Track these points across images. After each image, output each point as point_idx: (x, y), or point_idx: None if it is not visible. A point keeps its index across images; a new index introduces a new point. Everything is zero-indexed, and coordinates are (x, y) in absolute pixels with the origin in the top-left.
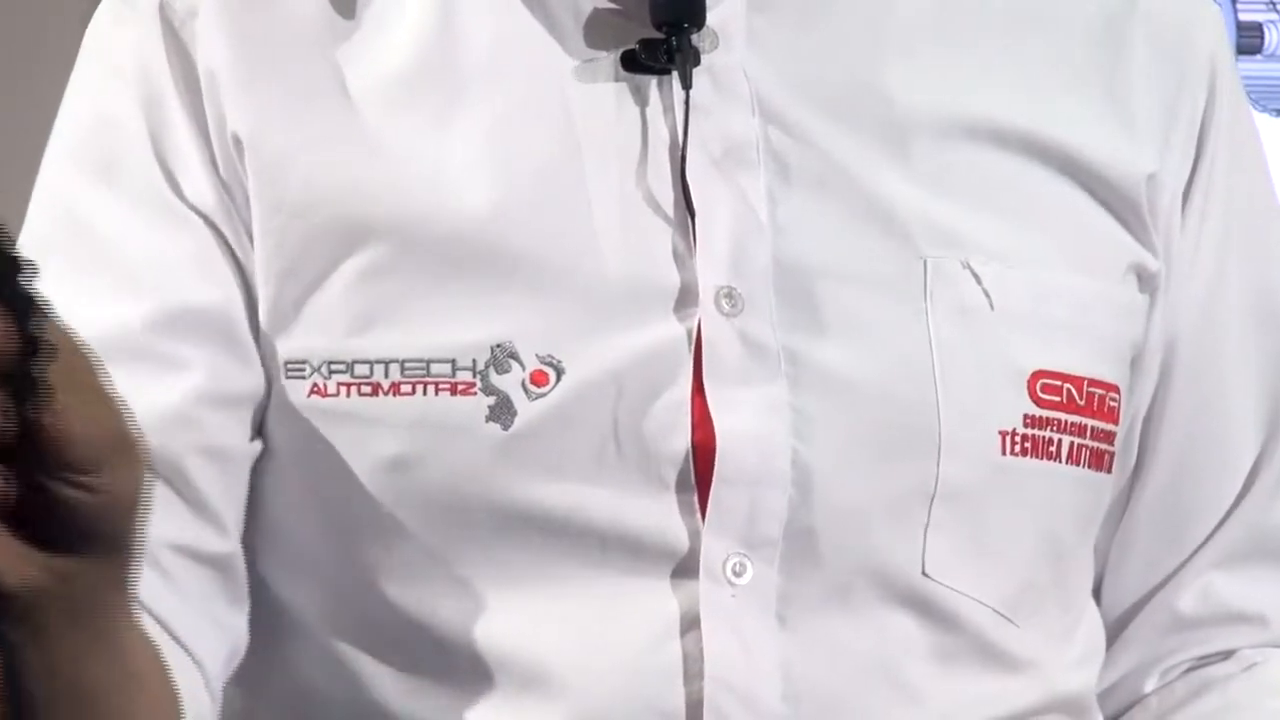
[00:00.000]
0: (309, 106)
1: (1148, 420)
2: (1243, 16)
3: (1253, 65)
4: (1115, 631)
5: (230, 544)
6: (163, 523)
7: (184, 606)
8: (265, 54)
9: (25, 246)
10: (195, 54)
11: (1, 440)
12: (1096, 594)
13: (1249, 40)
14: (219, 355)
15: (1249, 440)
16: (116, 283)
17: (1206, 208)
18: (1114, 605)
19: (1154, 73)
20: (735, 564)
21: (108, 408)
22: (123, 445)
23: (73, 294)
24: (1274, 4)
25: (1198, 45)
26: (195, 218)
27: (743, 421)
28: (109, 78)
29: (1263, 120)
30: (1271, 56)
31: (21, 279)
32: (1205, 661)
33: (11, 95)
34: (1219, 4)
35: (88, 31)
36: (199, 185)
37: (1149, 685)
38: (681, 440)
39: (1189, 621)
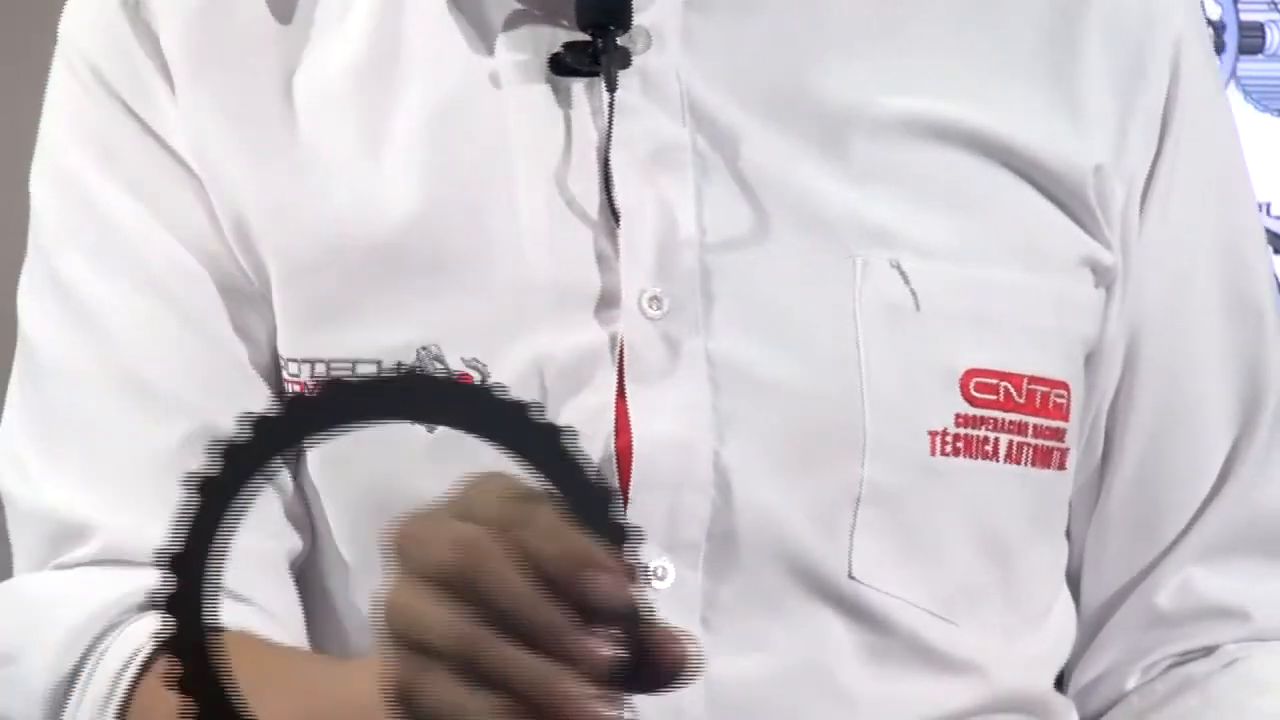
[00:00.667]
0: (246, 115)
1: (1114, 414)
2: (1244, 16)
3: (1255, 65)
4: (1095, 627)
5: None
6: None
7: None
8: (210, 60)
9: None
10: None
11: (615, 670)
12: (1075, 588)
13: (1251, 40)
14: None
15: (1221, 432)
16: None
17: (1172, 194)
18: (1092, 600)
19: (1109, 61)
20: (657, 568)
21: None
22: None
23: None
24: (1276, 4)
25: (1159, 29)
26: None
27: (662, 425)
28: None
29: (1264, 120)
30: (1273, 56)
31: (614, 508)
32: (1187, 658)
33: (12, 95)
34: (1220, 4)
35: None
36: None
37: (1130, 682)
38: (603, 445)
39: (1168, 618)
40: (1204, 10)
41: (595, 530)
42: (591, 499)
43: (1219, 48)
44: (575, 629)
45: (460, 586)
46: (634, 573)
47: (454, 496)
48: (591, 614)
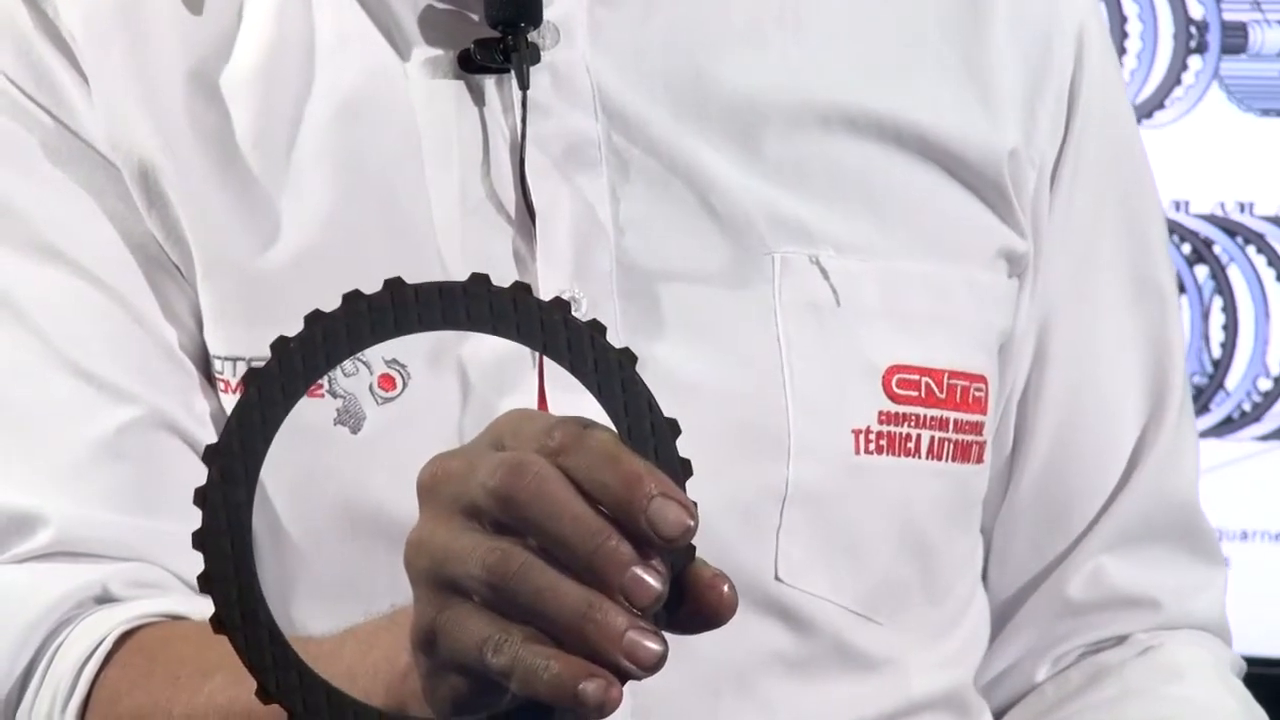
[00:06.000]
0: (159, 107)
1: (1024, 403)
2: (1227, 16)
3: (1237, 65)
4: (1004, 617)
5: None
6: None
7: None
8: (120, 50)
9: None
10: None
11: (658, 604)
12: (983, 579)
13: (1234, 40)
14: None
15: (1131, 418)
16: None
17: (1077, 179)
18: (1001, 589)
19: (1016, 45)
20: None
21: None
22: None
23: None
24: (1258, 3)
25: (1063, 14)
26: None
27: None
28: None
29: (1248, 120)
30: (1256, 56)
31: (678, 440)
32: (1098, 647)
33: None
34: (1203, 3)
35: None
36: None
37: (1041, 673)
38: None
39: (1079, 607)
40: (1186, 10)
41: (660, 462)
42: (655, 429)
43: (1202, 47)
44: (631, 557)
45: (500, 513)
46: (695, 507)
47: (490, 429)
48: (644, 545)
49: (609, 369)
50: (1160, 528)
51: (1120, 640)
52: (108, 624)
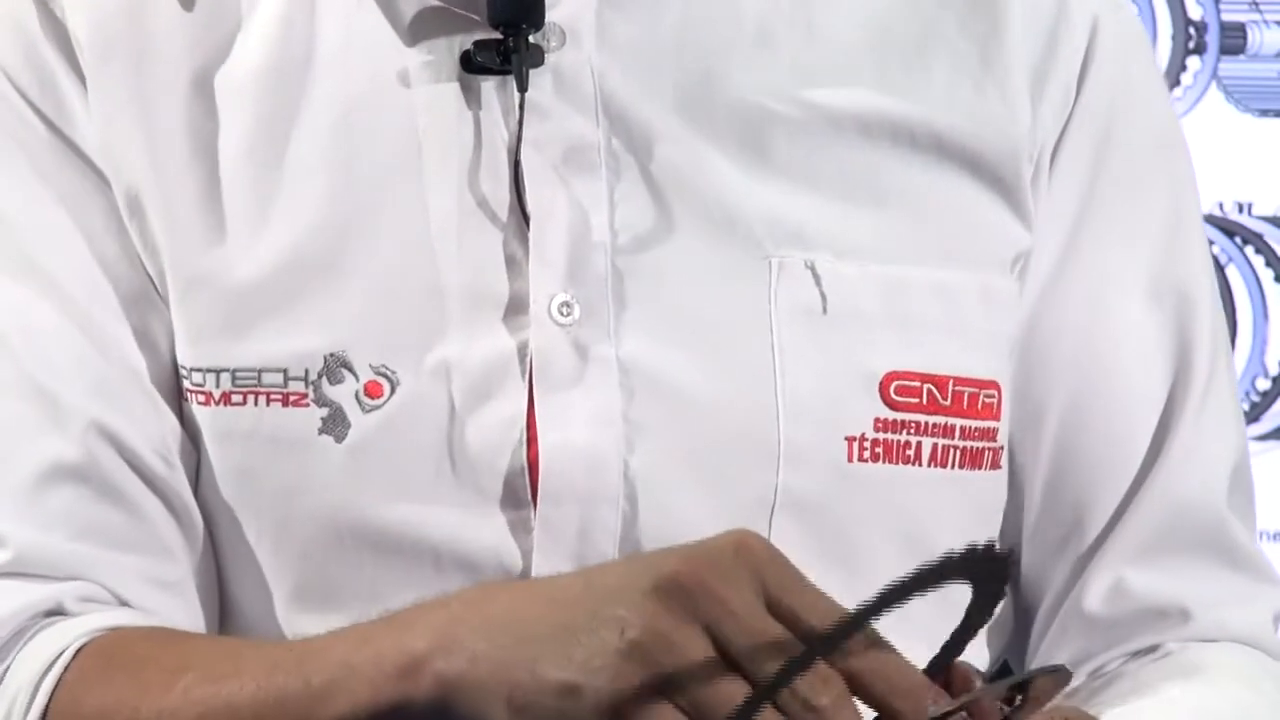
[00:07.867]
0: (153, 110)
1: (1026, 408)
2: (1225, 17)
3: (1236, 65)
4: (1040, 632)
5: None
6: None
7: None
8: (120, 52)
9: None
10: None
11: None
12: (1014, 589)
13: (1232, 41)
14: None
15: (1139, 422)
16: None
17: (1073, 170)
18: (1029, 601)
19: (1028, 35)
20: None
21: None
22: None
23: None
24: (1257, 4)
25: (1073, 7)
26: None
27: (572, 436)
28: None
29: (1246, 120)
30: (1255, 57)
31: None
32: (1136, 658)
33: None
34: (1202, 4)
35: None
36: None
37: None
38: (513, 457)
39: (1106, 621)
40: (1185, 11)
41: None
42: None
43: (1201, 48)
44: None
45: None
46: None
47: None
48: None
49: (976, 623)
50: (1183, 537)
51: (1154, 650)
52: (67, 636)
